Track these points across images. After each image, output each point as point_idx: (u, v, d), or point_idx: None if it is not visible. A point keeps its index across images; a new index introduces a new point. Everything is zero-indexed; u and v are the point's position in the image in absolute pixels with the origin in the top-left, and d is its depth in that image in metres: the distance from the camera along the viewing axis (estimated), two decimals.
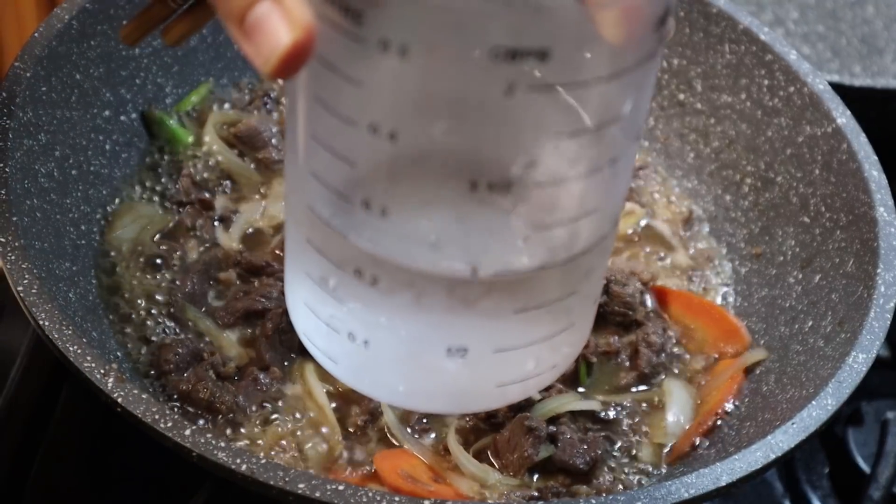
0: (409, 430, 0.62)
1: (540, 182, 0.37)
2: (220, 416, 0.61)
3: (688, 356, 0.69)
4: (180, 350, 0.63)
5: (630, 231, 0.76)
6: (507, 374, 0.42)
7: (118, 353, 0.62)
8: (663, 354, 0.68)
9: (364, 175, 0.37)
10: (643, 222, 0.77)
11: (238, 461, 0.48)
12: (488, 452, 0.61)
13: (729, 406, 0.65)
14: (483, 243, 0.39)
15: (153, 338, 0.64)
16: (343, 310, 0.40)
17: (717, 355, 0.69)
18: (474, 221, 0.38)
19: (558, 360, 0.43)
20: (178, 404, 0.61)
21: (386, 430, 0.62)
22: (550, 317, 0.41)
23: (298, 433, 0.61)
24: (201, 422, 0.61)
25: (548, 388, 0.64)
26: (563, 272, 0.40)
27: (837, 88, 0.73)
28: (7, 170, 0.58)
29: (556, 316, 0.41)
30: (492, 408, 0.44)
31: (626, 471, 0.62)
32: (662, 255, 0.76)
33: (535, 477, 0.61)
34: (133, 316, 0.65)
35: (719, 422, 0.64)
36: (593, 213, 0.39)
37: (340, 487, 0.48)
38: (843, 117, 0.71)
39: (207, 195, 0.72)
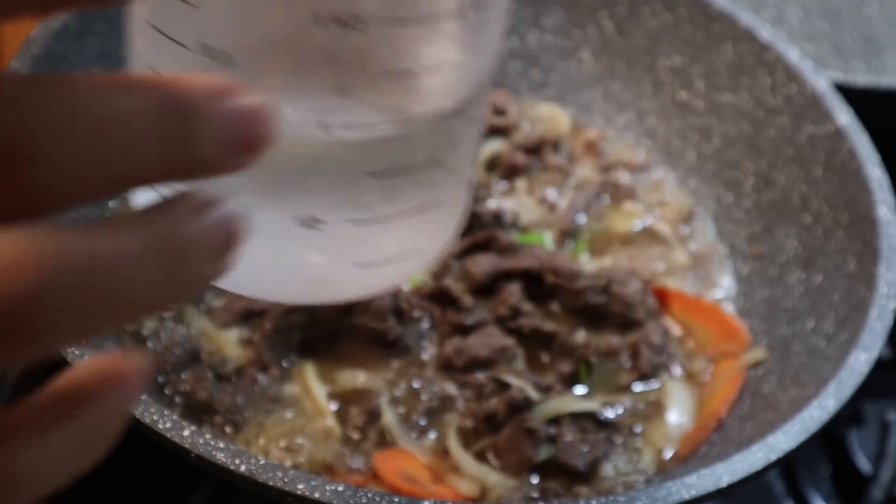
0: (409, 430, 0.62)
1: (393, 18, 0.34)
2: (218, 417, 0.61)
3: (689, 356, 0.69)
4: (178, 350, 0.62)
5: (630, 230, 0.76)
6: (364, 251, 0.38)
7: None
8: (664, 355, 0.68)
9: (207, 22, 0.34)
10: (643, 222, 0.77)
11: (237, 462, 0.48)
12: (488, 453, 0.61)
13: (730, 407, 0.65)
14: (331, 90, 0.35)
15: (151, 338, 0.64)
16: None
17: (718, 355, 0.69)
18: (321, 65, 0.35)
19: (423, 243, 0.40)
20: (176, 404, 0.61)
21: (385, 430, 0.61)
22: (412, 188, 0.38)
23: (297, 433, 0.61)
24: (199, 422, 0.61)
25: (547, 390, 0.63)
26: (423, 135, 0.37)
27: (839, 87, 0.73)
28: None
29: (418, 188, 0.38)
30: (356, 297, 0.41)
31: (627, 472, 0.62)
32: (663, 254, 0.75)
33: (536, 478, 0.61)
34: None
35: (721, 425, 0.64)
36: (456, 68, 0.36)
37: (340, 488, 0.48)
38: (845, 116, 0.70)
39: None
